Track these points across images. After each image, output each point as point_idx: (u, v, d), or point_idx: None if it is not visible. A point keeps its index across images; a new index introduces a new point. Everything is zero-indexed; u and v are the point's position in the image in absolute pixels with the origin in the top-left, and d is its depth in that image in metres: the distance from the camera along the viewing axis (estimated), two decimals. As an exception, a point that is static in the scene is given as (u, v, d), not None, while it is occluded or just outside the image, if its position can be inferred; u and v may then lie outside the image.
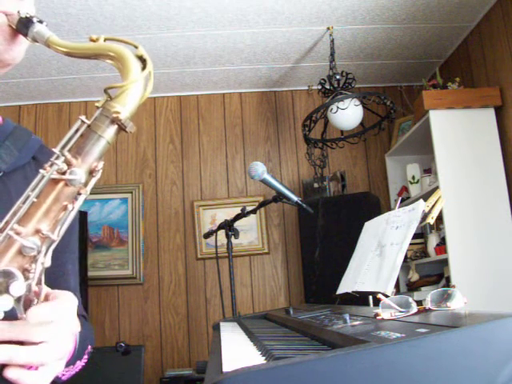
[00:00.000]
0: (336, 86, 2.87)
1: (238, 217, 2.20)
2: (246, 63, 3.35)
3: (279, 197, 1.89)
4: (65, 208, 0.58)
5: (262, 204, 2.12)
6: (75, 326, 0.60)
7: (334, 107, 2.82)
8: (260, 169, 1.81)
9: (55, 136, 3.60)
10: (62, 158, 0.58)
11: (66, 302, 0.60)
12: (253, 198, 3.56)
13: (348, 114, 2.83)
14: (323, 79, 2.95)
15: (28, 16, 0.67)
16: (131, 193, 3.53)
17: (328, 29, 2.95)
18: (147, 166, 3.61)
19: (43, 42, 0.66)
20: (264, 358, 0.70)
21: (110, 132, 0.59)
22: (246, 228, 3.47)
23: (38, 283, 0.56)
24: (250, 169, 1.83)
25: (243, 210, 2.16)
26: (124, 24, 2.77)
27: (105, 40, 0.64)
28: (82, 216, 3.15)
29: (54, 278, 0.63)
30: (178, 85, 3.59)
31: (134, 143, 3.64)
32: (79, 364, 0.78)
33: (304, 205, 1.89)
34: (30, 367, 0.53)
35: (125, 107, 0.59)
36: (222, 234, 2.30)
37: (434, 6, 2.78)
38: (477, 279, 2.55)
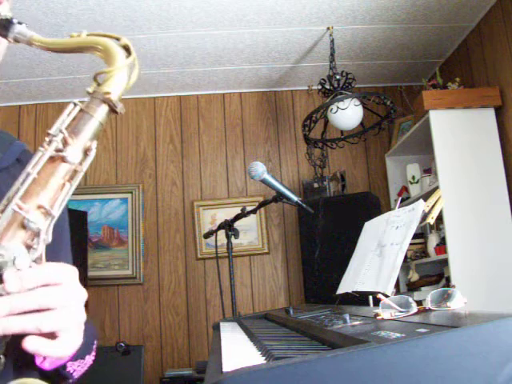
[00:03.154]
0: (336, 86, 2.87)
1: (237, 217, 2.20)
2: (245, 63, 3.35)
3: (279, 197, 1.89)
4: (63, 186, 0.60)
5: (262, 204, 2.12)
6: (84, 294, 0.61)
7: (334, 107, 2.81)
8: (260, 169, 1.81)
9: (55, 136, 3.60)
10: (60, 136, 0.60)
11: (67, 266, 0.60)
12: (253, 197, 3.56)
13: (348, 113, 2.83)
14: (323, 79, 2.95)
15: (8, 18, 0.68)
16: (131, 193, 3.53)
17: (328, 29, 2.95)
18: (147, 166, 3.61)
19: (26, 42, 0.67)
20: (264, 358, 0.70)
21: (101, 112, 0.63)
22: (246, 228, 3.47)
23: (40, 260, 0.57)
24: (249, 169, 1.83)
25: (243, 210, 2.16)
26: (124, 24, 2.77)
27: (87, 35, 0.67)
28: (82, 216, 3.15)
29: None
30: (178, 85, 3.59)
31: (134, 143, 3.64)
32: (89, 359, 0.78)
33: (304, 205, 1.89)
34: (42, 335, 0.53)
35: (114, 90, 0.63)
36: (222, 234, 2.30)
37: (434, 6, 2.78)
38: (477, 279, 2.55)
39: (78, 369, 0.75)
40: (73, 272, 0.59)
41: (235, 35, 2.99)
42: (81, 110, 0.62)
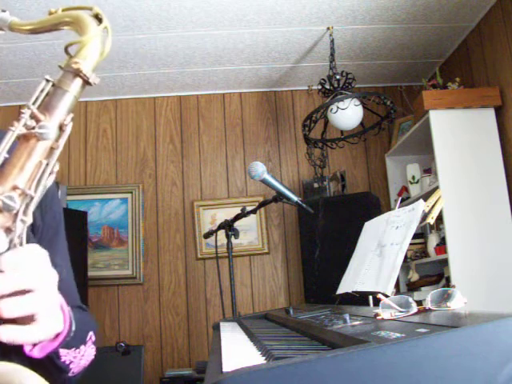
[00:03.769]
0: (336, 86, 2.87)
1: (237, 217, 2.20)
2: (245, 63, 3.35)
3: (279, 197, 1.89)
4: (40, 164, 0.58)
5: (262, 204, 2.12)
6: (55, 276, 0.59)
7: (334, 107, 2.81)
8: (260, 169, 1.81)
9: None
10: (29, 112, 0.59)
11: (39, 249, 0.58)
12: (253, 197, 3.56)
13: (348, 113, 2.83)
14: (323, 79, 2.95)
15: None
16: (131, 193, 3.53)
17: (328, 29, 2.95)
18: (147, 166, 3.61)
19: (7, 27, 0.68)
20: (264, 358, 0.69)
21: (74, 86, 0.61)
22: (246, 228, 3.47)
23: (21, 242, 0.56)
24: (249, 169, 1.82)
25: (243, 210, 2.16)
26: (124, 24, 2.77)
27: (63, 10, 0.67)
28: (82, 216, 3.15)
29: None
30: (178, 85, 3.59)
31: (134, 143, 3.63)
32: (85, 351, 0.75)
33: (304, 205, 1.89)
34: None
35: (86, 60, 0.62)
36: (222, 234, 2.30)
37: (434, 6, 2.78)
38: (477, 279, 2.55)
39: (74, 360, 0.72)
40: (44, 255, 0.58)
41: (235, 35, 2.99)
42: (53, 85, 0.61)
